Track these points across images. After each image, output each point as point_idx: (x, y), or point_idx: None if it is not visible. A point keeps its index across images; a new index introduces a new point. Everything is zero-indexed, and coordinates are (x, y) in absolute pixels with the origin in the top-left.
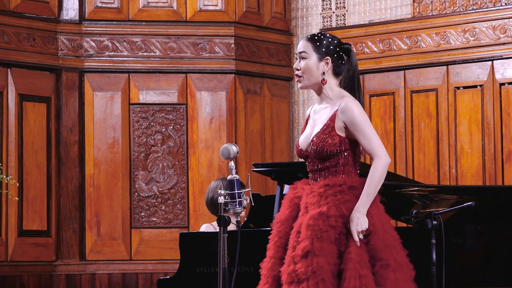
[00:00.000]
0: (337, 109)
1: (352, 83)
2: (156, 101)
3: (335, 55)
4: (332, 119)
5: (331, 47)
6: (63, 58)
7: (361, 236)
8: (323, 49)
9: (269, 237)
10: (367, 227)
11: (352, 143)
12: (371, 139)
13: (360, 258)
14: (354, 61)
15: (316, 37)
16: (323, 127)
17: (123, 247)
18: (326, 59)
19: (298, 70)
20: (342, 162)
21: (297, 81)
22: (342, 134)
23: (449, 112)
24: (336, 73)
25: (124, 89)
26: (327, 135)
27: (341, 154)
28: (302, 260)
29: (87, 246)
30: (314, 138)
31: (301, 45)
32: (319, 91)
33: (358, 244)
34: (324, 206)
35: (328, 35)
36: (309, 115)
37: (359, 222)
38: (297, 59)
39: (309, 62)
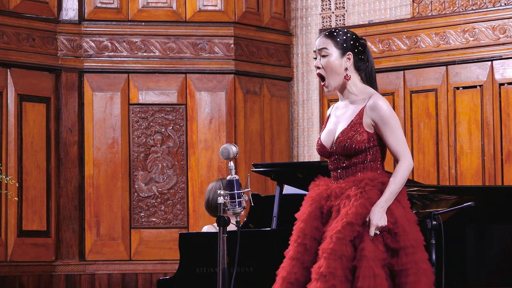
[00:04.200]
0: (365, 106)
1: (372, 78)
2: (156, 101)
3: (355, 50)
4: (360, 115)
5: (351, 42)
6: (63, 58)
7: (377, 232)
8: (344, 44)
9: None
10: (386, 224)
11: (380, 139)
12: (400, 139)
13: (373, 255)
14: (370, 55)
15: (334, 33)
16: (350, 123)
17: (123, 247)
18: (348, 55)
19: (319, 68)
20: (370, 158)
21: (323, 85)
22: (370, 131)
23: (448, 112)
24: (357, 68)
25: (123, 90)
26: (354, 132)
27: (369, 150)
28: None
29: (86, 247)
30: (340, 135)
31: (320, 42)
32: (342, 88)
33: (371, 238)
34: (352, 208)
35: (345, 30)
36: (329, 114)
37: (382, 217)
38: (315, 58)
39: (331, 59)
